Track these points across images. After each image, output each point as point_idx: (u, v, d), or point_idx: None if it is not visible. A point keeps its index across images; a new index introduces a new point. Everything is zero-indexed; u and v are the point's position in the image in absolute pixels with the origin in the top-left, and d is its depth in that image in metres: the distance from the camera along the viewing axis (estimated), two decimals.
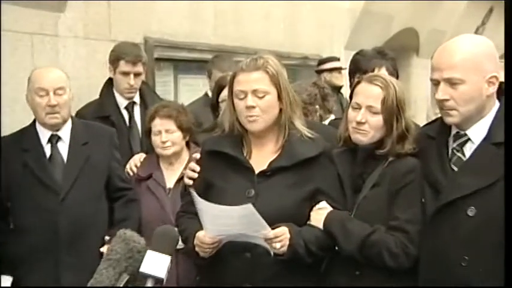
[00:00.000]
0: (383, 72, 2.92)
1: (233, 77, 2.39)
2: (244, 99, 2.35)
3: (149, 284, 1.84)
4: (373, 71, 2.91)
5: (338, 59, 6.28)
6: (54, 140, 3.07)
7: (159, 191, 3.28)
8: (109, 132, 3.27)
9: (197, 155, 2.55)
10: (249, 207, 2.13)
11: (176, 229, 2.13)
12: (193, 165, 2.55)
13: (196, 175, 2.50)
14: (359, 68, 2.98)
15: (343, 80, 6.26)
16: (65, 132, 3.10)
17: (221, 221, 2.21)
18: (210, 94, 4.41)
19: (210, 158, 2.45)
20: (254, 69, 2.34)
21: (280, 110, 2.39)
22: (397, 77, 2.88)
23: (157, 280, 1.85)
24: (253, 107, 2.34)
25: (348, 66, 3.15)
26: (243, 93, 2.35)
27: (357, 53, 3.11)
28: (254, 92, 2.34)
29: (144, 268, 1.85)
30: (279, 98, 2.38)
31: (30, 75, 3.10)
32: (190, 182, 2.50)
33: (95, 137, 3.15)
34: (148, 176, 3.34)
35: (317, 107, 3.74)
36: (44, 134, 3.07)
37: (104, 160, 3.14)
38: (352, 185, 2.43)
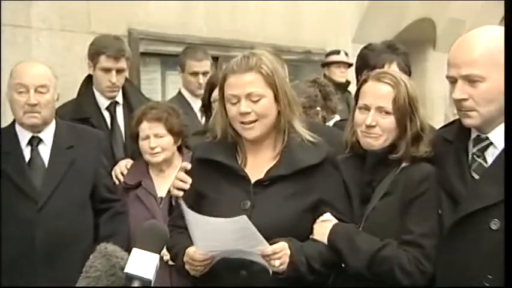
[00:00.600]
0: (394, 68, 2.93)
1: (223, 79, 2.39)
2: (237, 104, 2.35)
3: (135, 285, 1.81)
4: (382, 67, 2.91)
5: (338, 52, 6.31)
6: (34, 142, 3.08)
7: (150, 200, 3.31)
8: (97, 136, 3.29)
9: (187, 165, 2.56)
10: (243, 219, 2.13)
11: (165, 226, 2.12)
12: (182, 175, 2.55)
13: (186, 186, 2.51)
14: (367, 64, 2.99)
15: (346, 76, 6.28)
16: (47, 134, 3.11)
17: (213, 236, 2.21)
18: (184, 93, 4.48)
19: (201, 167, 2.45)
20: (246, 70, 2.34)
21: (278, 112, 2.40)
22: (409, 74, 2.88)
23: (144, 282, 1.82)
24: (248, 113, 2.34)
25: (355, 62, 3.16)
26: (236, 97, 2.35)
27: (365, 47, 3.11)
28: (248, 96, 2.34)
29: (130, 269, 1.82)
30: (276, 99, 2.38)
31: (12, 69, 3.10)
32: (180, 193, 2.51)
33: (81, 141, 3.16)
34: (137, 184, 3.37)
35: (318, 108, 3.75)
36: (24, 136, 3.07)
37: (90, 166, 3.15)
38: (359, 194, 2.43)
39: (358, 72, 3.07)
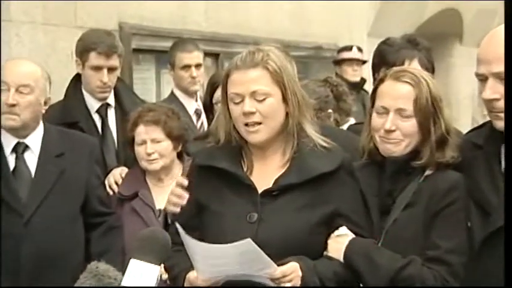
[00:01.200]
0: (415, 65, 2.94)
1: (226, 77, 2.40)
2: (241, 103, 2.36)
3: None
4: (402, 64, 2.92)
5: (350, 48, 6.32)
6: (19, 149, 3.09)
7: (147, 212, 3.33)
8: (90, 143, 3.31)
9: (184, 181, 2.56)
10: (248, 242, 2.14)
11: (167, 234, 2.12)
12: (178, 191, 2.56)
13: (183, 202, 2.51)
14: (385, 61, 3.00)
15: (360, 75, 6.30)
16: (34, 141, 3.12)
17: (216, 261, 2.22)
18: (177, 93, 4.51)
19: (202, 175, 2.45)
20: (251, 66, 2.35)
21: (287, 114, 2.40)
22: (432, 72, 2.89)
23: None
24: (252, 113, 2.35)
25: (371, 59, 3.17)
26: (239, 96, 2.36)
27: (383, 42, 3.12)
28: (252, 94, 2.35)
29: (127, 282, 1.82)
30: (284, 99, 2.39)
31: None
32: (176, 210, 2.51)
33: (72, 148, 3.18)
34: (133, 195, 3.38)
35: (330, 111, 3.76)
36: (8, 142, 3.08)
37: (82, 176, 3.17)
38: (379, 205, 2.44)
39: (375, 70, 3.08)
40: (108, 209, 3.28)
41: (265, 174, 2.41)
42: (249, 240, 2.14)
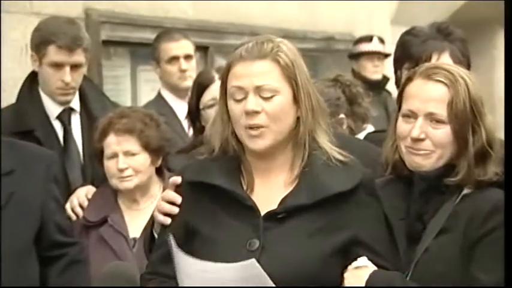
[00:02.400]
0: (445, 60, 2.97)
1: (228, 69, 2.44)
2: (243, 101, 2.39)
3: None
4: (430, 58, 2.96)
5: (370, 39, 6.36)
6: None
7: (118, 242, 3.35)
8: (47, 157, 3.30)
9: (178, 179, 2.54)
10: (253, 264, 2.17)
11: (135, 269, 2.15)
12: (171, 194, 2.54)
13: (176, 210, 2.51)
14: (409, 55, 3.03)
15: (382, 71, 6.33)
16: None
17: (212, 283, 2.24)
18: (165, 94, 4.55)
19: (193, 193, 2.48)
20: (258, 57, 2.39)
21: (298, 119, 2.44)
22: (468, 67, 2.91)
23: None
24: (257, 113, 2.38)
25: (393, 52, 3.19)
26: (242, 91, 2.40)
27: (407, 32, 3.15)
28: (257, 89, 2.38)
29: None
30: (295, 100, 2.42)
31: None
32: (168, 220, 2.52)
33: (24, 164, 3.17)
34: (102, 220, 3.42)
35: (342, 116, 3.78)
36: None
37: (36, 198, 3.17)
38: (406, 231, 2.48)
39: (397, 66, 3.11)
40: (69, 238, 3.28)
41: (268, 192, 2.44)
42: (253, 260, 2.18)
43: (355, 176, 2.44)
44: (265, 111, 2.38)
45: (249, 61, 2.39)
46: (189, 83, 4.38)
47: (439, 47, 3.02)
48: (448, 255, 2.40)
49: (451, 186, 2.46)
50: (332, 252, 2.38)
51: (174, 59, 4.55)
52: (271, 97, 2.39)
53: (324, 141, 2.46)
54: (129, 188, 3.42)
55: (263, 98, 2.39)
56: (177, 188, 2.55)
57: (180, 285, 2.31)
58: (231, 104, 2.42)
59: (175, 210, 2.51)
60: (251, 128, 2.39)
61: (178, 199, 2.51)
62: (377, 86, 6.18)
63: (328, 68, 6.13)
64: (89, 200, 3.51)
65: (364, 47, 6.38)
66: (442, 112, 2.45)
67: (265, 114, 2.38)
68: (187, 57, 4.58)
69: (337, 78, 4.00)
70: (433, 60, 2.94)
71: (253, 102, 2.38)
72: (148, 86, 5.08)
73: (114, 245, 3.35)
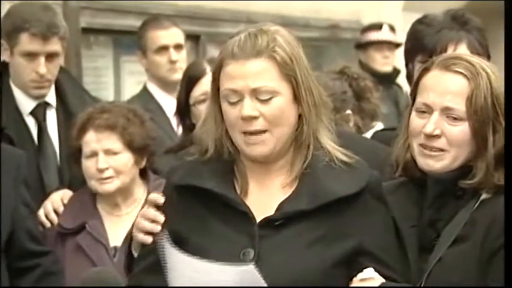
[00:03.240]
0: (462, 51, 2.98)
1: (219, 67, 2.45)
2: (239, 104, 2.40)
3: None
4: (445, 50, 2.97)
5: (380, 27, 6.37)
6: None
7: (98, 251, 3.37)
8: (14, 158, 3.32)
9: (159, 198, 2.55)
10: (250, 269, 2.18)
11: (117, 275, 2.17)
12: (151, 213, 2.55)
13: (158, 228, 2.50)
14: (422, 46, 3.04)
15: (392, 62, 6.33)
16: None
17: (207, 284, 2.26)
18: (151, 88, 4.57)
19: (181, 198, 2.49)
20: (253, 55, 2.40)
21: (299, 116, 2.45)
22: (487, 59, 2.90)
23: None
24: (254, 118, 2.39)
25: (404, 42, 3.22)
26: (236, 94, 2.41)
27: (419, 21, 3.16)
28: (254, 92, 2.39)
29: None
30: (296, 98, 2.44)
31: None
32: (149, 239, 2.51)
33: None
34: (79, 227, 3.42)
35: (349, 112, 3.79)
36: None
37: (4, 203, 3.18)
38: (418, 239, 2.49)
39: (409, 59, 3.13)
40: (42, 247, 3.30)
41: (264, 197, 2.45)
42: (251, 266, 2.19)
43: (360, 178, 2.45)
44: (263, 115, 2.40)
45: (242, 60, 2.40)
46: (179, 75, 4.37)
47: (455, 37, 3.03)
48: (464, 266, 2.41)
49: (467, 190, 2.48)
50: (334, 263, 2.39)
51: (163, 48, 4.57)
52: (270, 99, 2.40)
53: (327, 140, 2.48)
54: (109, 191, 3.43)
55: (260, 101, 2.40)
56: (159, 206, 2.54)
57: (170, 285, 2.32)
58: (225, 106, 2.43)
59: (157, 228, 2.50)
60: (249, 134, 2.40)
61: (160, 218, 2.50)
62: (387, 79, 6.19)
63: (332, 59, 6.15)
64: (64, 205, 3.52)
65: (373, 35, 6.38)
66: (460, 107, 2.46)
67: (264, 118, 2.40)
68: (178, 47, 4.59)
69: (343, 71, 4.00)
70: (449, 52, 2.94)
71: (249, 107, 2.39)
72: (133, 79, 5.08)
73: (92, 255, 3.36)
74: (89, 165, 3.44)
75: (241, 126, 2.40)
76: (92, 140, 3.43)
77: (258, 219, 2.41)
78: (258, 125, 2.40)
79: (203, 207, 2.45)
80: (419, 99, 2.52)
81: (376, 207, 2.47)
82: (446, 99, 2.47)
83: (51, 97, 3.89)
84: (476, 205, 2.47)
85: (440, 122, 2.47)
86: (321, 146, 2.47)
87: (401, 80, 6.16)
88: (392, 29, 6.44)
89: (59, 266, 3.33)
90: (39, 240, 3.32)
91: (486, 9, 6.38)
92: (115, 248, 3.40)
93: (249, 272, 2.21)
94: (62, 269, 3.33)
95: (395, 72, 6.39)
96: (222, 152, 2.47)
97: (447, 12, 3.16)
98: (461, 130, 2.47)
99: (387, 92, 5.99)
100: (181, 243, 2.43)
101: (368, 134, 3.85)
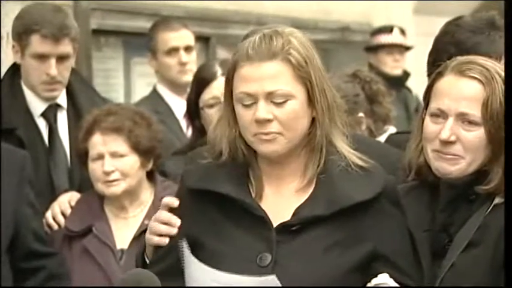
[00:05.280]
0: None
1: (233, 70, 2.45)
2: (253, 106, 2.41)
3: None
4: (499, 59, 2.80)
5: (391, 30, 6.37)
6: None
7: (104, 254, 3.38)
8: (19, 158, 3.33)
9: (173, 201, 2.54)
10: (273, 280, 2.19)
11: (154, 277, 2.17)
12: (166, 216, 2.54)
13: (174, 231, 2.50)
14: (461, 48, 2.91)
15: (402, 65, 6.32)
16: None
17: None
18: (161, 90, 4.57)
19: (195, 202, 2.50)
20: (268, 58, 2.40)
21: (313, 119, 2.45)
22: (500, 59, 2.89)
23: None
24: (269, 121, 2.40)
25: (432, 45, 3.13)
26: (251, 97, 2.41)
27: (453, 23, 3.08)
28: (269, 96, 2.40)
29: None
30: (310, 100, 2.44)
31: None
32: (164, 241, 2.50)
33: None
34: (86, 230, 3.43)
35: (361, 115, 3.79)
36: None
37: (8, 204, 3.19)
38: (431, 244, 2.49)
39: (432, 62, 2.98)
40: (48, 248, 3.30)
41: (279, 201, 2.46)
42: (273, 277, 2.19)
43: (377, 183, 2.46)
44: (277, 118, 2.40)
45: (257, 62, 2.40)
46: (189, 77, 4.38)
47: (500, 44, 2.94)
48: (477, 271, 2.42)
49: (481, 195, 2.48)
50: (350, 269, 2.40)
51: (173, 50, 4.57)
52: (284, 102, 2.41)
53: (342, 144, 2.48)
54: (116, 193, 3.44)
55: (275, 104, 2.40)
56: (172, 211, 2.54)
57: None
58: (239, 109, 2.44)
59: (172, 231, 2.50)
60: (263, 134, 2.40)
61: (175, 220, 2.50)
62: (397, 83, 6.18)
63: (342, 62, 6.11)
64: (72, 207, 3.52)
65: (384, 38, 6.38)
66: (475, 113, 2.46)
67: (278, 121, 2.40)
68: (188, 48, 4.60)
69: (356, 74, 4.00)
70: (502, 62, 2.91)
71: (264, 110, 2.39)
72: (143, 81, 5.09)
73: (99, 258, 3.37)
74: (95, 168, 3.45)
75: (255, 128, 2.41)
76: (98, 143, 3.44)
77: (274, 224, 2.41)
78: (272, 127, 2.40)
79: (218, 211, 2.45)
80: (434, 104, 2.52)
81: (392, 212, 2.48)
82: (461, 105, 2.47)
83: (62, 99, 3.89)
84: (489, 209, 2.47)
85: (456, 127, 2.47)
86: (336, 151, 2.47)
87: (411, 83, 6.18)
88: (402, 32, 6.41)
89: (64, 269, 3.33)
90: (45, 241, 3.33)
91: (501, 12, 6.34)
92: (121, 250, 3.41)
93: (271, 282, 2.21)
94: (68, 272, 3.34)
95: (405, 75, 6.38)
96: (236, 155, 2.48)
97: (481, 17, 3.12)
98: (477, 135, 2.47)
99: (397, 95, 5.97)
100: (196, 248, 2.44)
101: (381, 138, 3.85)
